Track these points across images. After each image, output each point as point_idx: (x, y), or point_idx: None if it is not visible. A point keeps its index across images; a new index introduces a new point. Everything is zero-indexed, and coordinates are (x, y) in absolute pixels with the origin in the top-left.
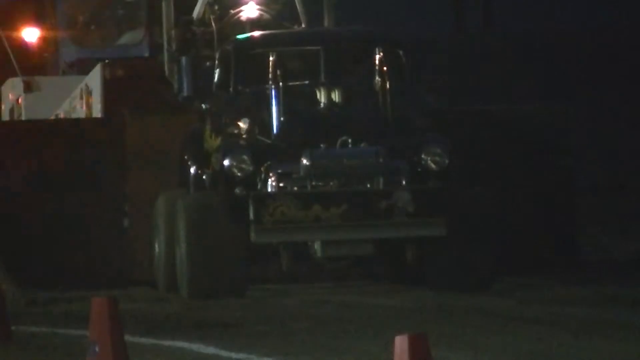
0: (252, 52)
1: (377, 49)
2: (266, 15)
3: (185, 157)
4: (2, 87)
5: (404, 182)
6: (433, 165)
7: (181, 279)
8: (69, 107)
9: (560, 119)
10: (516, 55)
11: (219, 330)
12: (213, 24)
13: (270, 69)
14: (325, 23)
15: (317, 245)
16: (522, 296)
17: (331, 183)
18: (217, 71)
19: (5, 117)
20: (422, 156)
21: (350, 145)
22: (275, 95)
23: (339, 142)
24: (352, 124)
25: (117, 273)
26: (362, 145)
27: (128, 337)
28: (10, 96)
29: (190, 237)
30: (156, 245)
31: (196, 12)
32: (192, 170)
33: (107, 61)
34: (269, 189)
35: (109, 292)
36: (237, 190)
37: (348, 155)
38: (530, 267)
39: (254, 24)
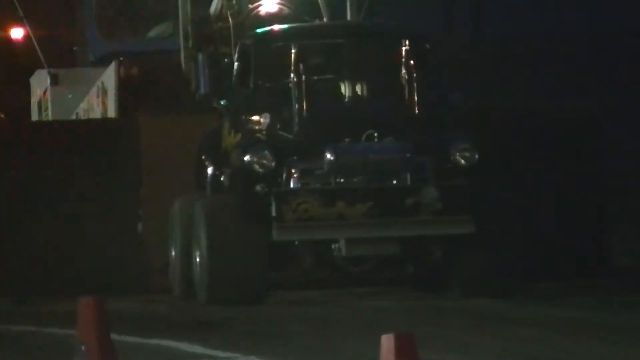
0: (273, 45)
1: (403, 43)
2: (286, 10)
3: (203, 157)
4: (31, 79)
5: (430, 178)
6: (462, 161)
7: (199, 284)
8: (87, 106)
9: (591, 118)
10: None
11: (206, 329)
12: (230, 20)
13: (292, 63)
14: (348, 17)
15: (340, 244)
16: (517, 298)
17: (356, 179)
18: (236, 66)
19: (34, 110)
20: (451, 152)
21: (376, 140)
22: (297, 90)
23: (364, 136)
24: (377, 119)
25: (131, 279)
26: (389, 140)
27: (115, 337)
28: (38, 89)
29: (210, 241)
30: (172, 251)
31: (213, 7)
32: (210, 171)
33: (121, 59)
34: (292, 186)
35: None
36: (258, 188)
37: (374, 151)
38: (559, 272)
39: (273, 18)
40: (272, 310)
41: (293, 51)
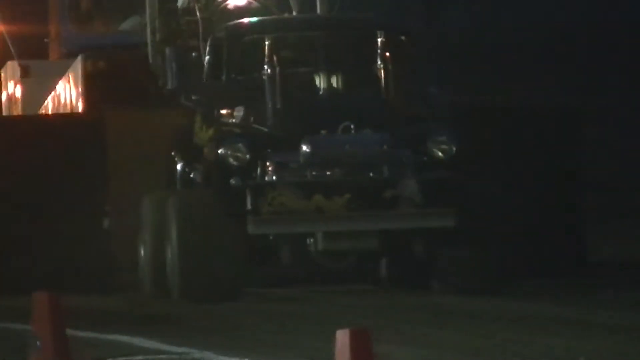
0: (246, 39)
1: (377, 35)
2: (255, 3)
3: (174, 154)
4: (2, 71)
5: (409, 170)
6: (440, 154)
7: (172, 282)
8: (55, 99)
9: (571, 115)
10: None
11: (161, 325)
12: (199, 13)
13: (266, 55)
14: (318, 11)
15: (317, 238)
16: (490, 294)
17: (332, 172)
18: (207, 60)
19: (4, 102)
20: (428, 145)
21: (352, 132)
22: (271, 82)
23: (340, 128)
24: (353, 110)
25: (96, 275)
26: (365, 132)
27: (71, 332)
28: (9, 81)
29: (182, 237)
30: (141, 248)
31: (181, 0)
32: (181, 167)
33: (87, 52)
34: (267, 179)
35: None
36: (232, 181)
37: (351, 143)
38: (537, 269)
39: (242, 11)
40: (240, 307)
41: (267, 44)
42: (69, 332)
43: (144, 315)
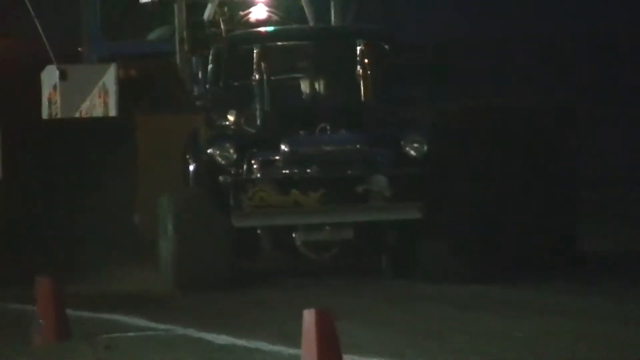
0: (241, 48)
1: (358, 42)
2: (275, 17)
3: (186, 154)
4: (42, 75)
5: (380, 167)
6: (412, 152)
7: (166, 271)
8: (89, 105)
9: (562, 115)
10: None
11: (155, 306)
12: (222, 25)
13: (255, 63)
14: (332, 22)
15: (299, 231)
16: (463, 281)
17: (309, 169)
18: (210, 68)
19: (44, 104)
20: (402, 144)
21: (329, 132)
22: (259, 88)
23: (317, 128)
24: (332, 113)
25: (128, 264)
26: (341, 132)
27: (70, 312)
28: (48, 84)
29: (176, 228)
30: (161, 244)
31: (207, 13)
32: (191, 167)
33: (120, 60)
34: (251, 176)
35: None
36: (220, 178)
37: (327, 142)
38: (528, 261)
39: (263, 24)
40: (226, 294)
41: (255, 53)
42: (69, 312)
43: (138, 298)
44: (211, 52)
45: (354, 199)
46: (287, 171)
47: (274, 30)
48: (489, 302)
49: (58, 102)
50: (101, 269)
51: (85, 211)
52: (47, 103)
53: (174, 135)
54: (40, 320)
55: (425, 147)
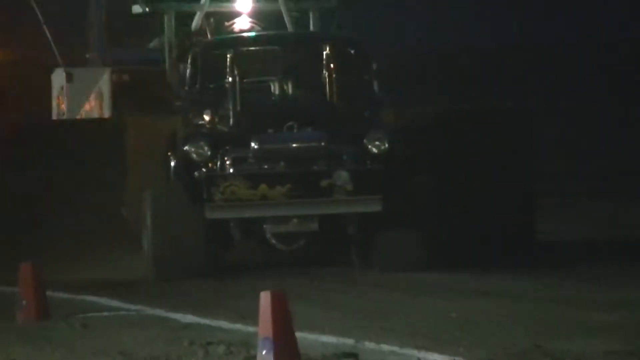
0: (216, 52)
1: (325, 46)
2: (257, 27)
3: (167, 152)
4: (52, 75)
5: (343, 163)
6: (374, 149)
7: (148, 262)
8: (89, 107)
9: (520, 117)
10: None
11: (124, 287)
12: (209, 35)
13: (227, 67)
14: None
15: (269, 223)
16: (396, 267)
17: (276, 165)
18: (188, 70)
19: (54, 104)
20: (365, 141)
21: (296, 130)
22: (232, 90)
23: (285, 127)
24: (299, 112)
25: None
26: (306, 130)
27: (50, 293)
28: (57, 85)
29: (154, 221)
30: (144, 238)
31: (194, 23)
32: (172, 164)
33: (113, 67)
34: (223, 172)
35: None
36: (196, 174)
37: (293, 139)
38: (487, 249)
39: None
40: (198, 281)
41: (228, 57)
42: (49, 293)
43: (116, 283)
44: (189, 57)
45: (318, 193)
46: (256, 167)
47: (245, 37)
48: (435, 287)
49: (65, 102)
50: (89, 257)
51: (78, 205)
52: (56, 103)
53: (160, 135)
54: (23, 301)
55: (387, 144)
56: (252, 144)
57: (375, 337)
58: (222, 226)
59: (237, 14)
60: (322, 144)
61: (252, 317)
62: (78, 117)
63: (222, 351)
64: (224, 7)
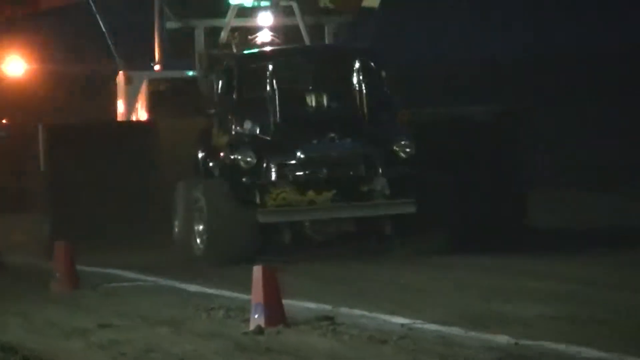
0: (251, 65)
1: (351, 61)
2: (277, 40)
3: (199, 150)
4: (117, 79)
5: (380, 169)
6: (402, 155)
7: (197, 248)
8: (139, 110)
9: (513, 119)
10: None
11: (142, 263)
12: (234, 47)
13: (267, 78)
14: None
15: (312, 223)
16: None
17: (320, 172)
18: (220, 81)
19: (119, 103)
20: (394, 147)
21: (336, 141)
22: (272, 101)
23: (327, 138)
24: (336, 123)
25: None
26: (346, 140)
27: (79, 267)
28: (119, 87)
29: (210, 216)
30: (175, 220)
31: (222, 37)
32: (204, 161)
33: (151, 78)
34: (271, 179)
35: None
36: (244, 179)
37: (335, 149)
38: (486, 236)
39: (267, 46)
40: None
41: (269, 69)
42: (78, 267)
43: (144, 260)
44: (223, 68)
45: (360, 197)
46: (303, 174)
47: (278, 49)
48: (420, 263)
49: (123, 104)
50: (123, 240)
51: (118, 196)
52: (120, 104)
53: (189, 136)
54: (57, 274)
55: (413, 149)
56: (298, 153)
57: (350, 303)
58: (267, 226)
59: (259, 28)
60: (360, 151)
61: (249, 287)
62: (133, 118)
63: (222, 315)
64: (248, 22)
